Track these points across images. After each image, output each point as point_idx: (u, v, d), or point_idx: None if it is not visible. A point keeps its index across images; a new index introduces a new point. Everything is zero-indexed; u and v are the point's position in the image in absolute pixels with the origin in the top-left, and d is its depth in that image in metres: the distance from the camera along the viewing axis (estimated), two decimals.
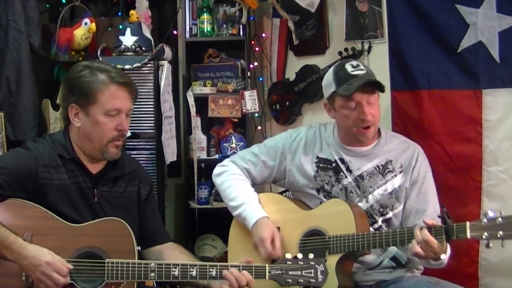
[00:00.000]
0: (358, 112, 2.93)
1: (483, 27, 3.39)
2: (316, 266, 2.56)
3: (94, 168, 2.74)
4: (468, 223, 2.61)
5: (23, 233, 2.51)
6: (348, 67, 2.95)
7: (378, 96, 3.00)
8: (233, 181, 3.20)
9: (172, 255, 2.80)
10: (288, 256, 2.61)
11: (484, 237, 2.57)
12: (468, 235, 2.60)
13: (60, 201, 2.62)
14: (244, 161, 3.24)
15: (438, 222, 2.74)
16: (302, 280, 2.56)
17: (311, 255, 2.59)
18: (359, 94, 2.91)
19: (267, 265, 2.59)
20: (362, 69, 2.95)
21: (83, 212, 2.65)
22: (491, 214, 2.59)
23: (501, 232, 2.54)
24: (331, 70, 3.03)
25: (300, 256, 2.60)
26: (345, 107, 2.95)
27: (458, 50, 3.48)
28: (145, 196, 2.86)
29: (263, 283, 2.62)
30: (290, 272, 2.56)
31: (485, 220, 2.59)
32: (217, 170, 3.30)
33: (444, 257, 2.75)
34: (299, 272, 2.56)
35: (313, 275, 2.56)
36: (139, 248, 2.63)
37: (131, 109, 2.74)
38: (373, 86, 2.94)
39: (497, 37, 3.37)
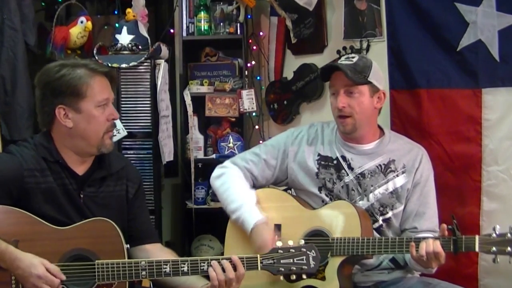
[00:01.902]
0: (335, 100, 3.00)
1: (482, 25, 3.37)
2: (308, 252, 2.54)
3: (80, 169, 2.69)
4: (477, 237, 2.61)
5: (10, 240, 2.46)
6: (343, 58, 3.04)
7: (369, 89, 3.00)
8: (231, 183, 3.13)
9: (161, 255, 2.74)
10: (279, 244, 2.59)
11: (492, 251, 2.58)
12: (477, 249, 2.61)
13: (47, 205, 2.57)
14: (245, 160, 3.19)
15: (437, 224, 2.74)
16: (294, 268, 2.55)
17: (302, 242, 2.59)
18: (336, 82, 2.98)
19: (258, 256, 2.56)
20: (350, 60, 2.99)
21: (71, 214, 2.61)
22: (500, 229, 2.59)
23: (509, 248, 2.55)
24: None
25: (291, 243, 2.58)
26: (331, 95, 3.04)
27: (458, 49, 3.46)
28: (132, 195, 2.81)
29: (256, 274, 2.60)
30: (282, 261, 2.54)
31: (494, 235, 2.59)
32: (216, 172, 3.23)
33: (436, 267, 2.78)
34: (291, 260, 2.54)
35: (305, 261, 2.54)
36: (128, 246, 2.60)
37: (114, 98, 2.72)
38: (349, 75, 2.94)
39: (496, 35, 3.35)
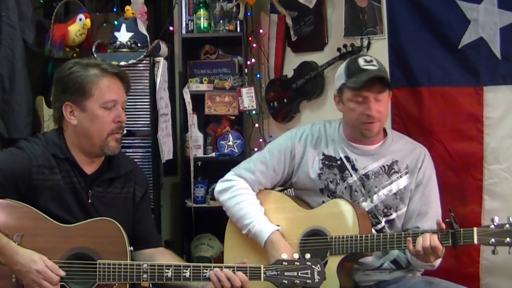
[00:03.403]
0: (364, 107, 2.91)
1: (484, 23, 3.37)
2: (313, 266, 2.51)
3: (89, 169, 2.69)
4: (475, 229, 2.61)
5: (14, 234, 2.48)
6: (361, 61, 2.94)
7: (389, 94, 2.98)
8: (240, 197, 3.09)
9: (163, 259, 2.73)
10: (284, 256, 2.56)
11: (491, 243, 2.57)
12: (475, 240, 2.60)
13: (52, 202, 2.57)
14: (251, 172, 3.13)
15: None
16: (298, 281, 2.51)
17: (307, 255, 2.54)
18: (368, 89, 2.89)
19: (262, 266, 2.54)
20: (375, 65, 2.93)
21: (76, 213, 2.61)
22: (498, 220, 2.58)
23: (508, 239, 2.55)
24: (344, 63, 3.02)
25: (296, 256, 2.56)
26: (352, 100, 2.93)
27: (459, 47, 3.45)
28: (139, 198, 2.81)
29: (258, 284, 2.56)
30: (286, 273, 2.51)
31: (492, 226, 2.59)
32: (220, 186, 3.18)
33: (438, 261, 2.77)
34: (295, 273, 2.51)
35: (309, 275, 2.51)
36: (132, 248, 2.59)
37: (125, 101, 2.72)
38: (381, 82, 2.91)
39: (498, 33, 3.34)
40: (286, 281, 2.51)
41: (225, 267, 2.54)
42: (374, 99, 2.90)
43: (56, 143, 2.64)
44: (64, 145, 2.65)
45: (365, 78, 2.87)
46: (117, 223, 2.57)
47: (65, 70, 2.64)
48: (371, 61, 2.95)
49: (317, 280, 2.51)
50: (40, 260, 2.43)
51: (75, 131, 2.64)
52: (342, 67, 3.01)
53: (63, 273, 2.46)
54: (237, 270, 2.52)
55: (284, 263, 2.52)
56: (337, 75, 3.03)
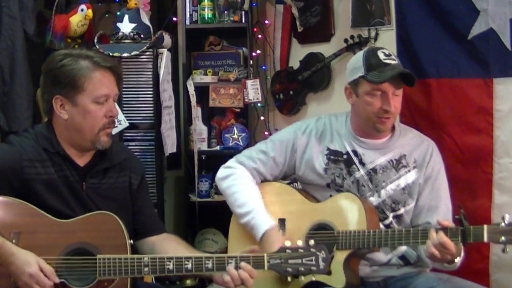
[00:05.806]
0: (382, 102, 2.88)
1: (494, 13, 3.33)
2: (317, 253, 2.47)
3: (82, 161, 2.65)
4: (485, 227, 2.57)
5: (11, 231, 2.43)
6: (381, 54, 2.90)
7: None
8: (240, 186, 3.07)
9: (168, 246, 2.72)
10: (288, 244, 2.53)
11: (501, 241, 2.54)
12: (485, 238, 2.57)
13: (49, 196, 2.53)
14: (252, 160, 3.12)
15: (450, 220, 2.76)
16: (302, 269, 2.47)
17: (311, 242, 2.50)
18: (388, 84, 2.86)
19: (265, 255, 2.50)
20: (394, 59, 2.91)
21: (74, 206, 2.57)
22: (509, 218, 2.55)
23: None
24: (360, 55, 2.94)
25: (300, 243, 2.52)
26: (370, 94, 2.89)
27: (468, 38, 3.42)
28: (136, 186, 2.78)
29: (262, 273, 2.54)
30: (290, 261, 2.47)
31: (503, 224, 2.55)
32: (222, 172, 3.16)
33: (458, 260, 2.72)
34: (300, 260, 2.47)
35: (314, 262, 2.47)
36: (131, 241, 2.55)
37: (117, 94, 2.67)
38: (404, 78, 2.89)
39: (508, 24, 3.31)
40: (290, 269, 2.47)
41: (228, 257, 2.51)
42: (393, 94, 2.88)
43: (46, 137, 2.60)
44: (54, 139, 2.60)
45: (392, 73, 2.84)
46: (116, 217, 2.54)
47: (56, 62, 2.57)
48: (390, 55, 2.92)
49: (322, 267, 2.47)
50: (34, 263, 2.37)
51: (65, 125, 2.59)
52: (358, 59, 2.93)
53: (57, 280, 2.41)
54: (240, 260, 2.49)
55: (287, 250, 2.49)
56: (352, 67, 2.96)
